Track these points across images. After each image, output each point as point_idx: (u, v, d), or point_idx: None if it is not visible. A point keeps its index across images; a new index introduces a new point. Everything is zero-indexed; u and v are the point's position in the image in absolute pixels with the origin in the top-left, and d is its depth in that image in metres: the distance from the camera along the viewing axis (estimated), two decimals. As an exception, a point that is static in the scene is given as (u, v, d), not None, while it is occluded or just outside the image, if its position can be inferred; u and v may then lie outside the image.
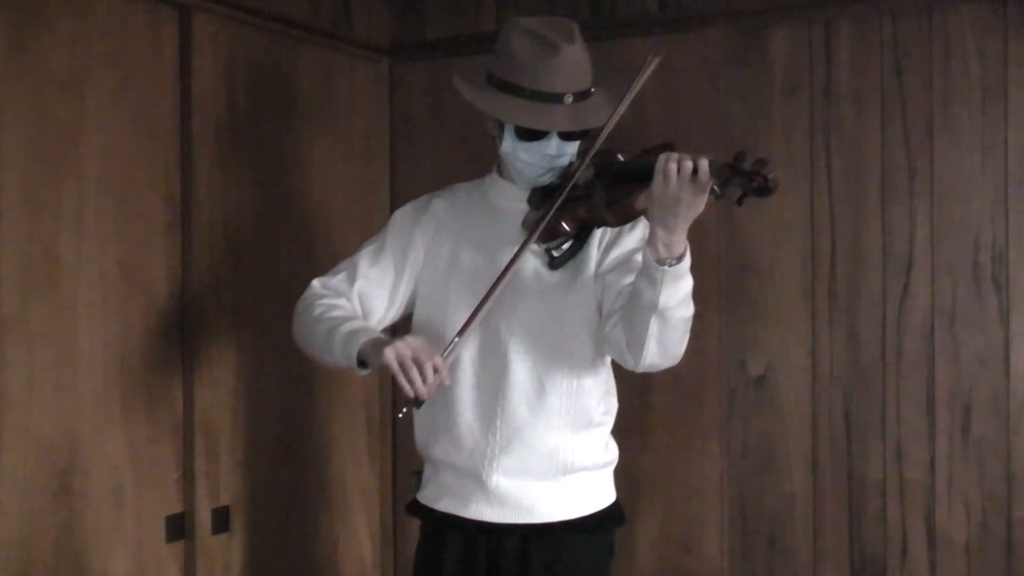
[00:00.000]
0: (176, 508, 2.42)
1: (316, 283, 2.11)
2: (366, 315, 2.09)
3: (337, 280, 2.10)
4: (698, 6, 2.65)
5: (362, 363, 1.92)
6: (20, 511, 2.09)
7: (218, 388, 2.49)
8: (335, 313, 2.02)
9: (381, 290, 2.10)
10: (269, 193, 2.64)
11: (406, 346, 1.84)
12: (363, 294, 2.08)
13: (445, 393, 2.03)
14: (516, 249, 1.95)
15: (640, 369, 1.93)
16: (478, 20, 2.89)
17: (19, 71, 2.09)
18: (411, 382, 1.82)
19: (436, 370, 1.84)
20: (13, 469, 2.08)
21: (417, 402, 1.85)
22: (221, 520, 2.50)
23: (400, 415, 2.00)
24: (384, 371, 1.86)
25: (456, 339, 1.93)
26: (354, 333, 1.94)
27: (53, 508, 2.15)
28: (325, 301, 2.05)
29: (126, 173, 2.30)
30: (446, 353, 1.90)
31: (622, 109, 1.93)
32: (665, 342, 1.87)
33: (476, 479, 2.02)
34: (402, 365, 1.82)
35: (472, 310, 1.94)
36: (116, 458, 2.28)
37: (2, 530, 2.07)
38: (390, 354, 1.83)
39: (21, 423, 2.09)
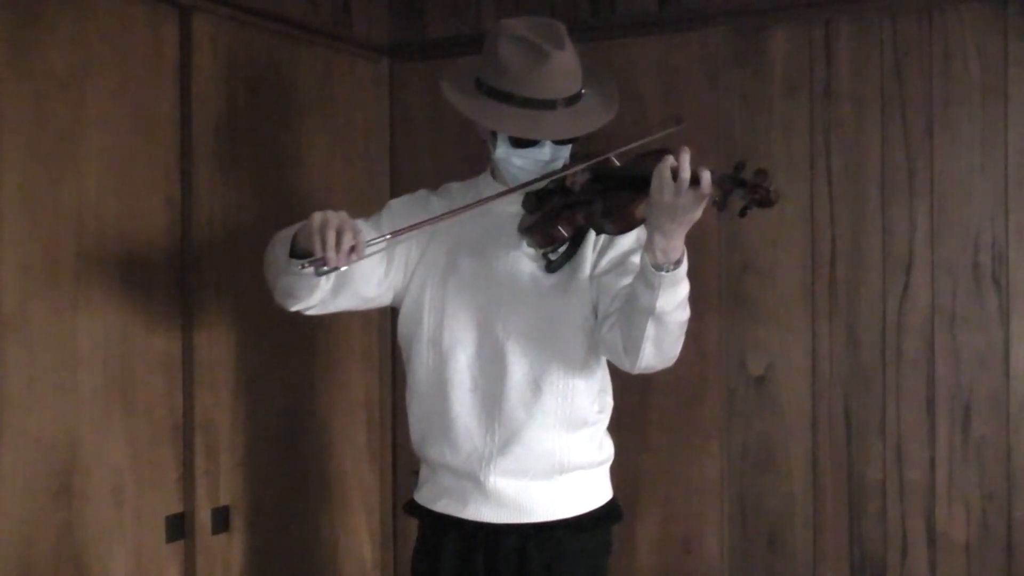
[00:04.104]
0: (176, 508, 2.42)
1: None
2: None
3: None
4: (698, 6, 2.65)
5: (297, 256, 1.86)
6: (20, 511, 2.09)
7: (218, 388, 2.49)
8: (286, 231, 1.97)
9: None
10: (269, 193, 2.64)
11: (335, 215, 1.79)
12: None
13: (441, 395, 2.04)
14: (512, 253, 1.94)
15: (636, 371, 1.93)
16: (478, 20, 2.89)
17: (19, 71, 2.08)
18: (324, 243, 1.76)
19: (353, 247, 1.77)
20: (13, 469, 2.08)
21: (323, 267, 1.79)
22: (221, 520, 2.49)
23: (300, 268, 1.84)
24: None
25: (388, 235, 1.86)
26: (291, 230, 1.90)
27: (53, 508, 2.15)
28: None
29: (126, 173, 2.29)
30: (372, 240, 1.83)
31: (624, 149, 1.94)
32: (661, 345, 1.87)
33: (474, 480, 2.03)
34: (323, 226, 1.77)
35: (470, 310, 1.92)
36: (116, 458, 2.28)
37: (2, 530, 2.06)
38: (317, 216, 1.79)
39: (21, 423, 2.09)
